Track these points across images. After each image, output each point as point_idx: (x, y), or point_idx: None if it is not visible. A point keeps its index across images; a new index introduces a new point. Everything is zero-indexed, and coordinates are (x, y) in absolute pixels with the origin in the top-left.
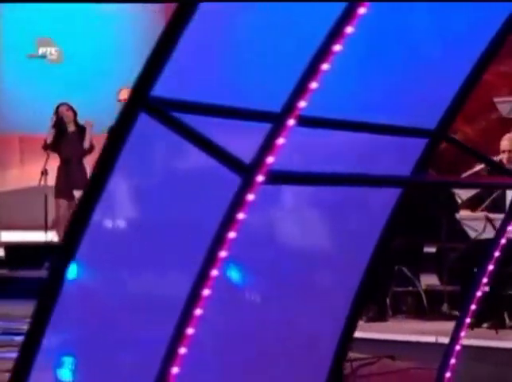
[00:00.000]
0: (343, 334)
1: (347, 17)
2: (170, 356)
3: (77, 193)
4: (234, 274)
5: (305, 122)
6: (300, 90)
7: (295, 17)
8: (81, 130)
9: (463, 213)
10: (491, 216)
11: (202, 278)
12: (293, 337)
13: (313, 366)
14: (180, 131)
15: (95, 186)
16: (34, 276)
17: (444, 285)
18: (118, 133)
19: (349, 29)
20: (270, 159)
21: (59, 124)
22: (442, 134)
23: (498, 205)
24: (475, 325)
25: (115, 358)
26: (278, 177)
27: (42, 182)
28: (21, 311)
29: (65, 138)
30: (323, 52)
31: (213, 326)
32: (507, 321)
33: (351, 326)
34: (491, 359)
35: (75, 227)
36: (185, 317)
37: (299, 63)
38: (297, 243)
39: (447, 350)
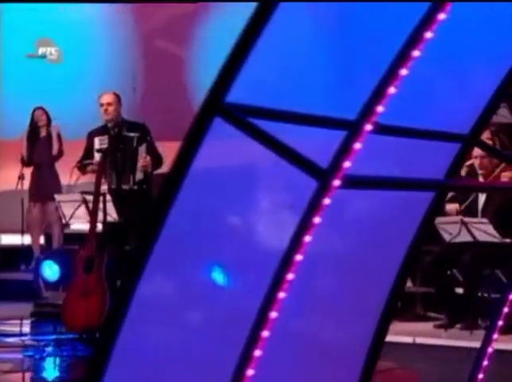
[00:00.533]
0: (372, 343)
1: (426, 22)
2: (245, 359)
3: (58, 197)
4: (218, 277)
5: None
6: (377, 95)
7: (370, 23)
8: (52, 135)
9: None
10: (466, 219)
11: (278, 282)
12: (322, 346)
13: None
14: (257, 136)
15: (169, 191)
16: (11, 278)
17: (416, 287)
18: (193, 138)
19: (428, 35)
20: (347, 164)
21: (33, 128)
22: (474, 139)
23: (471, 209)
24: (449, 325)
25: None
26: (354, 182)
27: (19, 186)
28: (4, 313)
29: (37, 142)
30: (401, 58)
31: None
32: (480, 321)
33: (380, 335)
34: (466, 359)
35: (150, 232)
36: (261, 320)
37: (369, 69)
38: (328, 252)
39: (479, 352)
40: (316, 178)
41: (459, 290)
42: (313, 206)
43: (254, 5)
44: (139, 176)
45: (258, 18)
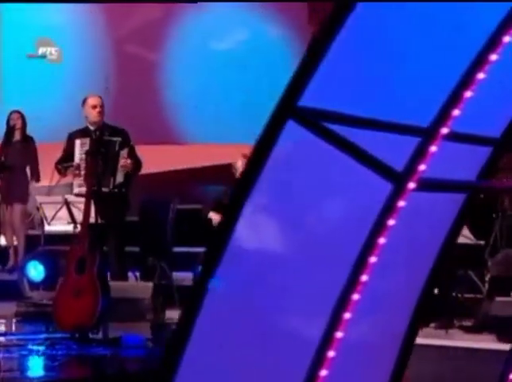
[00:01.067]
0: (403, 344)
1: (505, 26)
2: (319, 359)
3: (40, 198)
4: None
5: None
6: (454, 99)
7: (446, 28)
8: (26, 140)
9: None
10: None
11: (352, 283)
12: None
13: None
14: (331, 140)
15: (240, 195)
16: None
17: None
18: (265, 141)
19: (507, 39)
20: (422, 167)
21: (8, 132)
22: (506, 143)
23: None
24: (423, 324)
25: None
26: (430, 185)
27: None
28: None
29: (12, 145)
30: (479, 62)
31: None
32: (454, 321)
33: (411, 336)
34: (441, 357)
35: (219, 236)
36: (334, 321)
37: (441, 74)
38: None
39: (510, 353)
40: (391, 181)
41: (434, 290)
42: (388, 209)
43: (231, 7)
44: (119, 178)
45: (334, 19)
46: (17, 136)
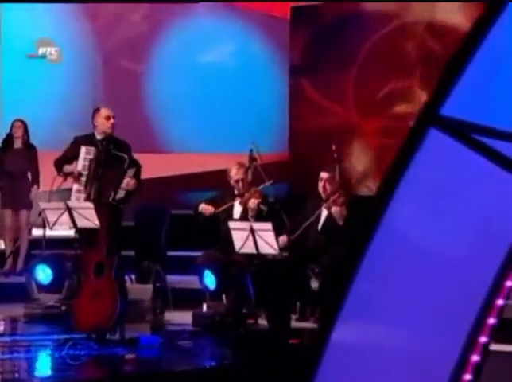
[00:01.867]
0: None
1: None
2: (462, 364)
3: (43, 204)
4: (208, 280)
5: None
6: None
7: None
8: (28, 148)
9: None
10: None
11: (495, 289)
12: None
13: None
14: (478, 149)
15: (381, 201)
16: None
17: None
18: (408, 148)
19: None
20: None
21: (7, 138)
22: None
23: None
24: None
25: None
26: None
27: None
28: None
29: (12, 152)
30: None
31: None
32: None
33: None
34: None
35: (361, 238)
36: (478, 326)
37: None
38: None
39: None
40: None
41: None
42: None
43: (216, 21)
44: (120, 195)
45: (484, 19)
46: (18, 144)
